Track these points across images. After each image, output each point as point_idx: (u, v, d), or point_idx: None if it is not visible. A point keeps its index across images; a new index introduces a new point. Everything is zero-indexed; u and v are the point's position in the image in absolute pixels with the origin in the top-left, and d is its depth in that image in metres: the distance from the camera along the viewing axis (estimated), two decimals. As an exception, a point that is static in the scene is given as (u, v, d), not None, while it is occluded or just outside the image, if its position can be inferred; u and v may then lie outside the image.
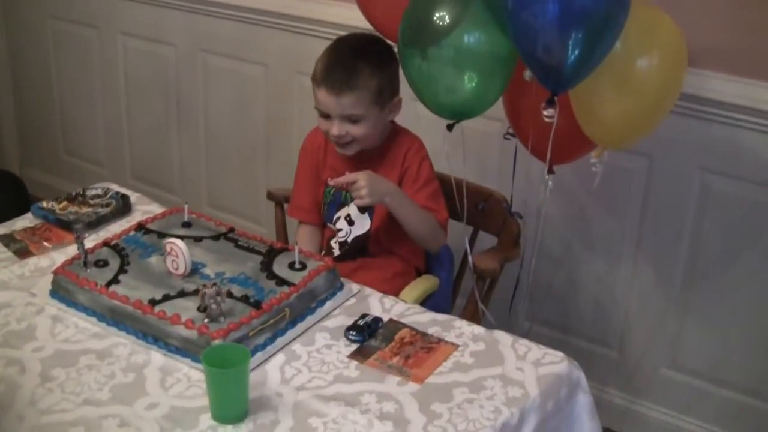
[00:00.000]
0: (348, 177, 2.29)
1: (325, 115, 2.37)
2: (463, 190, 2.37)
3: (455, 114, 2.18)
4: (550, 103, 2.00)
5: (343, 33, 2.89)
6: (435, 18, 2.09)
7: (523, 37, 1.95)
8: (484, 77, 2.11)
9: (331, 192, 2.49)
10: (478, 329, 1.98)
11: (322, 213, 2.52)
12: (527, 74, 2.09)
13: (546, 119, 2.02)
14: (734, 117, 2.51)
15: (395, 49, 2.37)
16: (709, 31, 2.46)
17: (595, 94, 2.06)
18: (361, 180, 2.27)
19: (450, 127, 2.20)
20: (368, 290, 2.14)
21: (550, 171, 2.27)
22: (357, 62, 2.32)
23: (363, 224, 2.46)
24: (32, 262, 2.22)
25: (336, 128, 2.35)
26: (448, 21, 2.08)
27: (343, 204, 2.47)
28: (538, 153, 2.29)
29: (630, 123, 2.14)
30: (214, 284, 1.87)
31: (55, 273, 2.06)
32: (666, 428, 2.90)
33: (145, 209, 2.48)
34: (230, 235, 2.22)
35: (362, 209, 2.45)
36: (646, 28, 2.01)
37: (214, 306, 1.84)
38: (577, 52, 1.89)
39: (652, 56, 2.08)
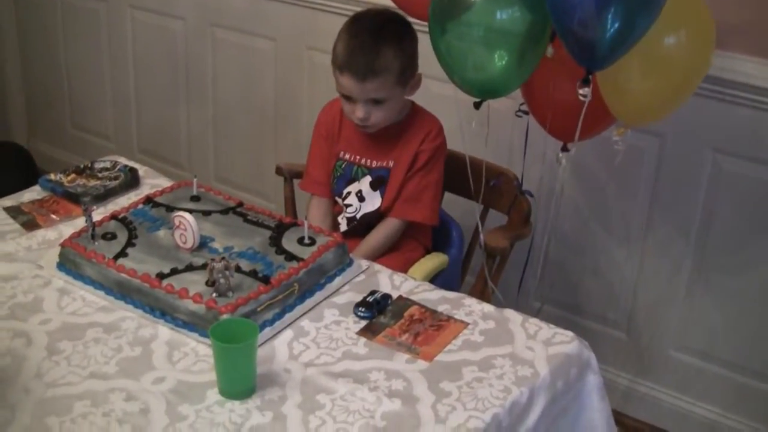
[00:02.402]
0: None
1: (348, 98, 2.36)
2: (483, 170, 2.36)
3: (484, 92, 2.15)
4: (586, 82, 1.97)
5: (352, 8, 2.88)
6: None
7: (560, 12, 1.92)
8: (513, 55, 2.08)
9: (342, 165, 2.48)
10: (488, 307, 1.97)
11: (332, 186, 2.51)
12: (549, 51, 2.07)
13: (581, 98, 1.99)
14: (756, 99, 2.47)
15: (413, 25, 2.36)
16: (736, 11, 2.42)
17: (622, 70, 2.04)
18: None
19: (477, 106, 2.17)
20: (377, 267, 2.13)
21: (565, 149, 2.24)
22: (379, 45, 2.30)
23: (374, 201, 2.45)
24: (40, 234, 2.21)
25: (360, 111, 2.34)
26: None
27: (354, 179, 2.46)
28: (553, 130, 2.27)
29: (656, 102, 2.12)
30: (223, 258, 1.86)
31: (63, 245, 2.05)
32: (673, 410, 2.89)
33: (153, 183, 2.46)
34: (239, 209, 2.20)
35: (374, 186, 2.43)
36: (675, 6, 1.98)
37: (222, 280, 1.83)
38: (614, 29, 1.87)
39: (680, 35, 2.06)
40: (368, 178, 2.45)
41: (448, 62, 2.15)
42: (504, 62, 2.09)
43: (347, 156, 2.48)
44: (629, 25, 1.89)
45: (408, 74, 2.36)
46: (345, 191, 2.48)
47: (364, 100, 2.33)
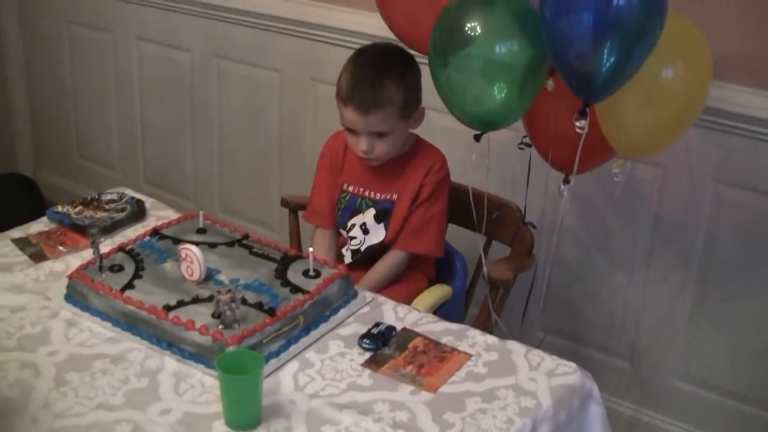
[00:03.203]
0: None
1: (352, 131, 2.38)
2: (484, 201, 2.38)
3: (484, 124, 2.18)
4: (583, 114, 2.00)
5: (356, 40, 2.91)
6: (465, 28, 2.09)
7: (558, 46, 1.95)
8: (513, 88, 2.11)
9: (346, 198, 2.50)
10: (491, 339, 1.98)
11: (336, 218, 2.53)
12: (550, 84, 2.09)
13: (578, 130, 2.02)
14: (754, 130, 2.50)
15: (415, 58, 2.39)
16: (732, 43, 2.45)
17: (621, 103, 2.06)
18: None
19: (477, 138, 2.20)
20: (382, 298, 2.14)
21: (566, 181, 2.27)
22: (382, 79, 2.32)
23: (378, 234, 2.47)
24: (47, 265, 2.22)
25: (364, 144, 2.36)
26: (478, 31, 2.08)
27: (358, 211, 2.49)
28: (555, 162, 2.29)
29: (654, 133, 2.14)
30: (229, 290, 1.87)
31: (70, 277, 2.07)
32: (677, 440, 2.90)
33: (159, 214, 2.48)
34: (245, 241, 2.22)
35: (378, 219, 2.46)
36: (673, 39, 2.01)
37: (228, 312, 1.85)
38: (611, 61, 1.90)
39: (678, 67, 2.09)
40: (372, 211, 2.47)
41: (448, 95, 2.18)
42: (504, 94, 2.11)
43: (351, 188, 2.50)
44: (626, 58, 1.92)
45: (411, 107, 2.39)
46: (349, 223, 2.50)
47: (367, 132, 2.35)
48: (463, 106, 2.18)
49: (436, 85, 2.21)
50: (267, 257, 2.14)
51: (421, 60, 2.36)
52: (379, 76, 2.33)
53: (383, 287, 2.39)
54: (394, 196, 2.45)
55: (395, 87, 2.33)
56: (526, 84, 2.13)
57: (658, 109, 2.12)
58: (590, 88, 1.98)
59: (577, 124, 2.02)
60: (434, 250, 2.47)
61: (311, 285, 2.02)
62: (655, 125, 2.14)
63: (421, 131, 2.52)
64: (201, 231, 2.26)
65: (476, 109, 2.17)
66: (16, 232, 2.37)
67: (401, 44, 2.46)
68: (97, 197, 2.52)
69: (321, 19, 3.26)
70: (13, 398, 1.74)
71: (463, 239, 2.64)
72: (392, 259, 2.45)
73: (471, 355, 1.92)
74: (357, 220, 2.48)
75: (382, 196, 2.46)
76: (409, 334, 1.99)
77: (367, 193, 2.48)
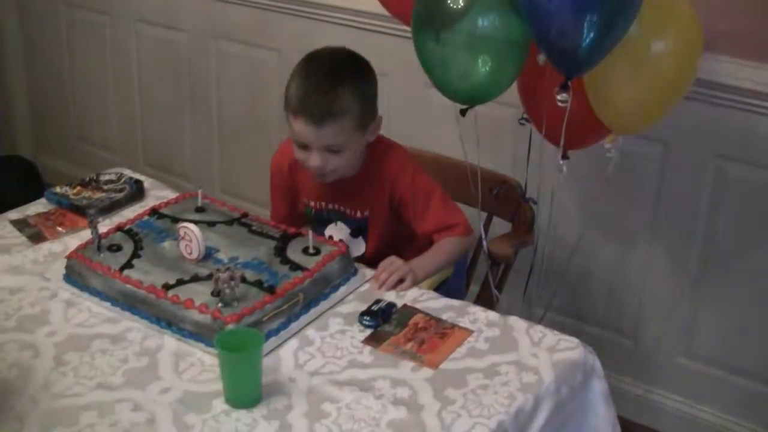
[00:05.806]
0: (389, 278, 2.09)
1: (303, 146, 2.17)
2: (478, 177, 2.36)
3: (469, 99, 2.16)
4: (564, 88, 1.99)
5: (355, 18, 2.90)
6: (448, 1, 2.07)
7: (537, 20, 1.94)
8: (498, 61, 2.09)
9: (311, 213, 2.36)
10: (492, 315, 1.98)
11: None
12: (540, 58, 2.08)
13: (560, 104, 2.01)
14: (751, 103, 2.48)
15: (371, 65, 2.23)
16: (725, 15, 2.43)
17: (609, 78, 2.05)
18: (399, 271, 2.10)
19: (463, 112, 2.18)
20: (382, 276, 2.13)
21: (565, 156, 2.25)
22: (335, 86, 2.11)
23: (358, 247, 2.34)
24: (46, 246, 2.22)
25: (316, 159, 2.15)
26: (461, 4, 2.06)
27: (328, 221, 2.35)
28: (551, 138, 2.28)
29: (643, 108, 2.13)
30: (228, 269, 1.87)
31: (69, 257, 2.07)
32: (680, 417, 2.89)
33: (158, 194, 2.47)
34: (244, 220, 2.21)
35: (355, 233, 2.34)
36: (662, 11, 1.99)
37: (227, 291, 1.84)
38: (591, 35, 1.88)
39: (667, 40, 2.07)
40: (345, 228, 2.33)
41: (432, 69, 2.15)
42: (488, 68, 2.09)
43: (312, 203, 2.35)
44: (605, 32, 1.91)
45: (368, 117, 2.19)
46: (326, 234, 2.35)
47: (320, 147, 2.14)
48: (449, 81, 2.16)
49: (420, 59, 2.17)
50: (266, 235, 2.14)
51: (405, 34, 2.27)
52: (332, 83, 2.12)
53: (447, 262, 2.30)
54: (366, 213, 2.31)
55: (351, 95, 2.12)
56: (511, 58, 2.11)
57: (646, 82, 2.10)
58: (571, 63, 1.96)
59: (559, 98, 2.01)
60: (465, 223, 2.30)
61: (311, 262, 2.01)
62: (644, 99, 2.12)
63: (421, 110, 2.50)
64: (200, 210, 2.25)
65: (462, 84, 2.14)
66: (15, 214, 2.37)
67: (353, 51, 2.26)
68: (95, 178, 2.52)
69: (320, -3, 3.24)
70: (13, 379, 1.74)
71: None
72: (446, 246, 2.28)
73: (472, 332, 1.91)
74: (333, 232, 2.34)
75: (351, 213, 2.32)
76: (409, 311, 1.98)
77: (331, 206, 2.33)
